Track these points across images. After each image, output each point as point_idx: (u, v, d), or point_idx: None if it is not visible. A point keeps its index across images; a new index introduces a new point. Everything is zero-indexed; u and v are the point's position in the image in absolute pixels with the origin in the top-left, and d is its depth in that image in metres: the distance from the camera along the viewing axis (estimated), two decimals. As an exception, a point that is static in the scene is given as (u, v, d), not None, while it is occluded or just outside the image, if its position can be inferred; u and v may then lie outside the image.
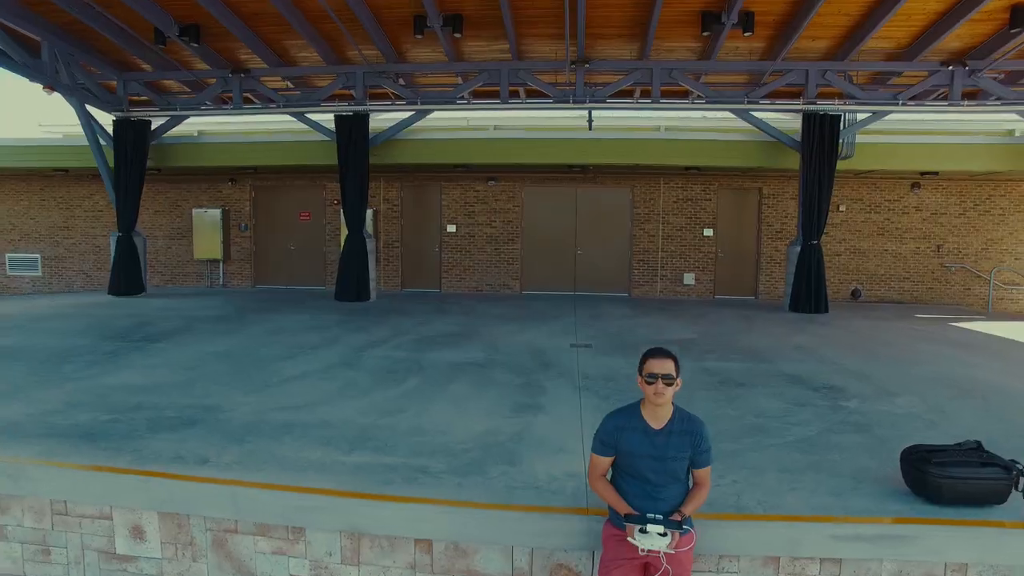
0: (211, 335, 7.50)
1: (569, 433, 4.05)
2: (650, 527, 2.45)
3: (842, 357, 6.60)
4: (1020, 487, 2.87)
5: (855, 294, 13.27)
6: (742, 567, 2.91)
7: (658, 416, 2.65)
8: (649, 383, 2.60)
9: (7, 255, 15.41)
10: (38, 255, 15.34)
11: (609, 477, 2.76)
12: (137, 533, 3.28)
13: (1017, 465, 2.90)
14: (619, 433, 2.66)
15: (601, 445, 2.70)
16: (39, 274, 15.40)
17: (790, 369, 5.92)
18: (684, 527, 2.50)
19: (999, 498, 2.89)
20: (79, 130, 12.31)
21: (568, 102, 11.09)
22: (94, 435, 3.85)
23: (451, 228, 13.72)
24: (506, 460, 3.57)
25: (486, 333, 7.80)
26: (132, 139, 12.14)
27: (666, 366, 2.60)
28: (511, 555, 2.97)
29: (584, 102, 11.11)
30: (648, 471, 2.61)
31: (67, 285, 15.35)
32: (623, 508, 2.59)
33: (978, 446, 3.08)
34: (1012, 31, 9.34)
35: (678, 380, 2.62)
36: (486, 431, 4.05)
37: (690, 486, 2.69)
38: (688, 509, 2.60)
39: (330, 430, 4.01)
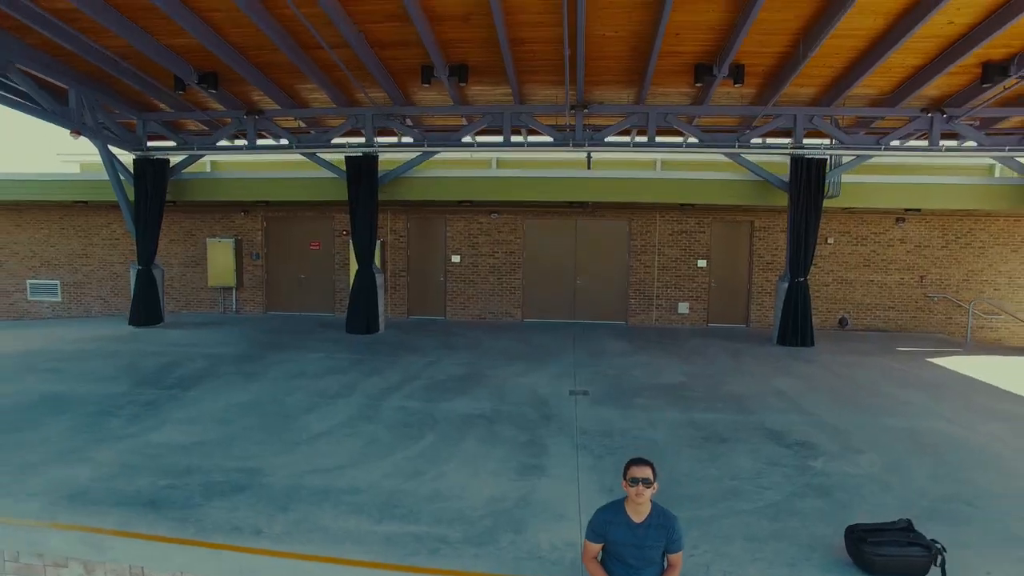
0: (237, 379, 8.11)
1: (568, 497, 4.65)
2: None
3: (817, 405, 7.21)
4: (938, 563, 3.47)
5: (843, 322, 13.88)
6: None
7: (639, 512, 3.25)
8: (632, 486, 3.21)
9: (28, 281, 16.02)
10: (58, 281, 15.94)
11: (599, 558, 3.36)
12: (201, 595, 3.89)
13: (936, 545, 3.51)
14: (607, 526, 3.26)
15: (593, 534, 3.30)
16: (59, 300, 16.01)
17: (769, 422, 6.52)
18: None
19: (921, 572, 3.49)
20: (95, 159, 12.92)
21: (568, 145, 11.71)
22: (156, 503, 4.45)
23: (455, 258, 14.33)
24: (513, 528, 4.18)
25: (492, 376, 8.41)
26: (152, 176, 12.75)
27: (645, 471, 3.20)
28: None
29: (583, 145, 11.72)
30: (630, 557, 3.21)
31: (85, 311, 15.95)
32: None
33: (908, 525, 3.69)
34: (983, 85, 9.95)
35: (655, 484, 3.22)
36: (495, 496, 4.66)
37: (665, 567, 3.29)
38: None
39: (360, 496, 4.61)
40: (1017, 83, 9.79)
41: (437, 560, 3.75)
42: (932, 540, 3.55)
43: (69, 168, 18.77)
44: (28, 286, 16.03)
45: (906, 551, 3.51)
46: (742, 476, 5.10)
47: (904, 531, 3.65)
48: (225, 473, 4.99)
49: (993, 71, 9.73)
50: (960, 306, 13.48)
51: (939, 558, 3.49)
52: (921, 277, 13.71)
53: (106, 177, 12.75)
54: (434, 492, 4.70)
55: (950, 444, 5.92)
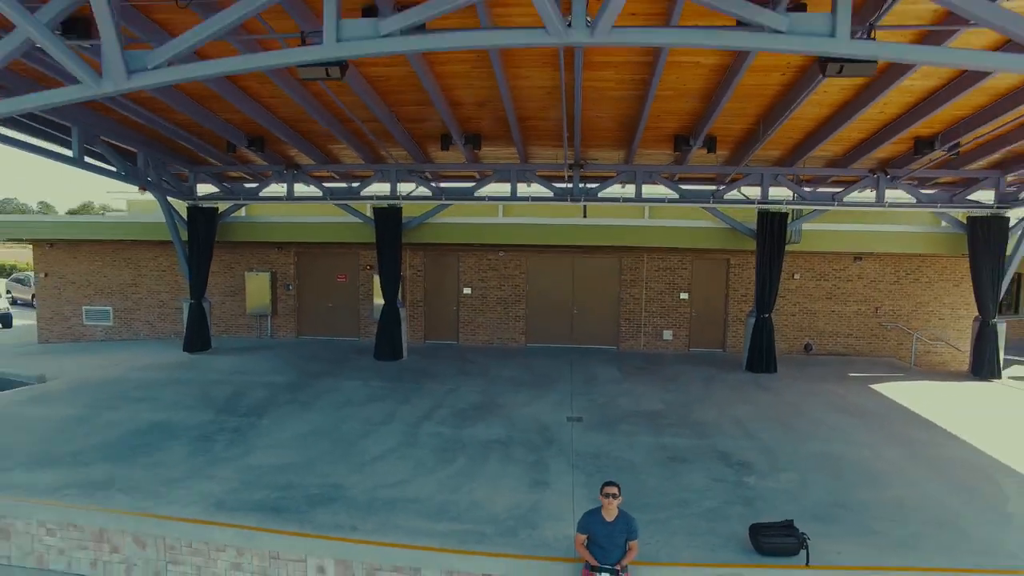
0: (295, 408, 10.01)
1: (565, 505, 6.53)
2: (604, 573, 4.94)
3: (762, 431, 9.12)
4: (805, 547, 5.39)
5: (808, 348, 15.81)
6: (660, 592, 5.41)
7: (610, 514, 5.15)
8: (604, 499, 5.11)
9: (84, 307, 17.90)
10: (110, 308, 17.83)
11: (585, 544, 5.25)
12: (320, 570, 5.78)
13: (804, 535, 5.43)
14: (590, 524, 5.16)
15: (581, 529, 5.19)
16: (111, 324, 17.89)
17: (722, 446, 8.43)
18: (622, 573, 5.00)
19: (793, 553, 5.40)
20: (140, 197, 14.77)
21: (567, 200, 13.63)
22: (277, 509, 6.35)
23: (467, 291, 16.26)
24: (529, 526, 6.07)
25: (503, 405, 10.32)
26: (203, 223, 14.65)
27: (613, 489, 5.11)
28: (534, 585, 5.47)
29: (580, 200, 13.65)
30: (604, 543, 5.10)
31: (134, 334, 17.84)
32: (592, 562, 5.09)
33: (790, 523, 5.60)
34: (915, 156, 11.91)
35: (620, 497, 5.12)
36: (514, 504, 6.55)
37: (627, 550, 5.18)
38: (624, 563, 5.10)
39: (419, 504, 6.50)
40: (943, 155, 11.78)
41: (481, 547, 5.65)
42: (802, 533, 5.46)
43: (116, 202, 20.70)
44: (84, 311, 17.91)
45: (784, 540, 5.42)
46: (692, 489, 7.00)
47: (785, 526, 5.55)
48: (317, 488, 6.88)
49: (922, 145, 11.68)
50: (909, 333, 15.42)
51: (805, 544, 5.40)
52: (876, 308, 15.65)
53: (153, 219, 14.68)
54: (471, 502, 6.60)
55: (852, 465, 7.84)
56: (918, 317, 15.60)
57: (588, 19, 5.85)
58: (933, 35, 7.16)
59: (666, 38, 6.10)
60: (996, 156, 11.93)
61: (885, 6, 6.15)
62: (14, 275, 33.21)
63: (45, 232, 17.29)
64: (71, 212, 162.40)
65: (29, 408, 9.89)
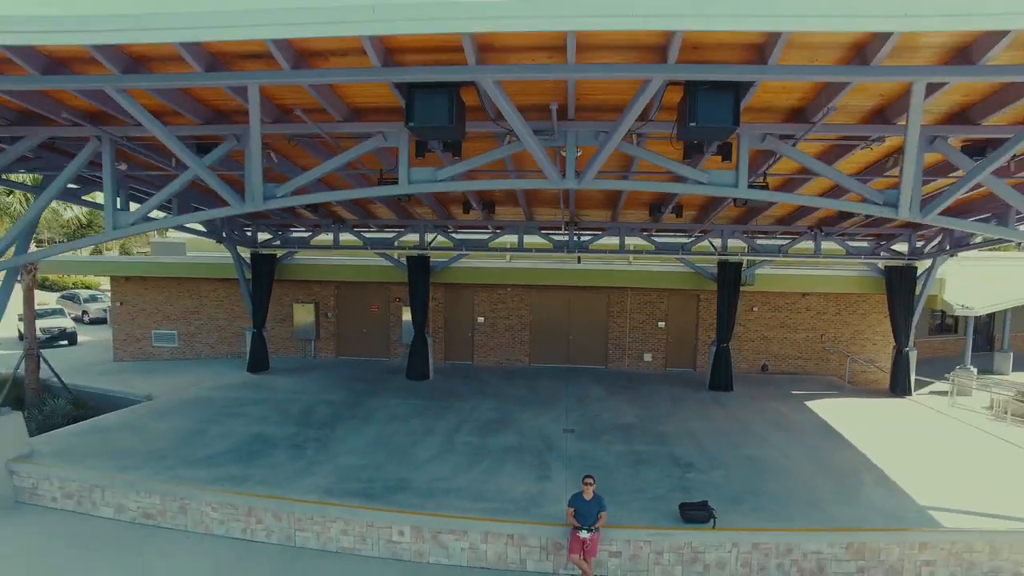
0: (357, 423, 13.15)
1: (560, 491, 9.65)
2: (583, 531, 8.10)
3: (708, 440, 12.27)
4: (714, 516, 8.55)
5: (764, 368, 18.98)
6: (620, 546, 8.55)
7: (588, 495, 8.29)
8: (585, 485, 8.27)
9: (153, 331, 21.04)
10: (175, 331, 20.97)
11: (573, 515, 8.38)
12: (400, 534, 8.93)
13: (713, 509, 8.59)
14: (574, 502, 8.31)
15: (569, 504, 8.34)
16: (176, 346, 21.03)
17: (676, 452, 11.58)
18: (594, 530, 8.16)
19: (705, 520, 8.56)
20: (196, 238, 17.93)
21: (564, 250, 16.79)
22: (367, 495, 9.48)
23: (480, 319, 19.42)
24: (536, 505, 9.21)
25: (514, 420, 13.47)
26: (264, 266, 17.80)
27: (590, 480, 8.28)
28: (540, 539, 8.61)
29: (574, 251, 16.80)
30: (584, 514, 8.25)
31: (196, 354, 20.98)
32: (576, 524, 8.25)
33: (705, 503, 8.76)
34: (841, 221, 15.08)
35: (593, 484, 8.28)
36: (527, 492, 9.68)
37: (598, 518, 8.32)
38: (596, 526, 8.26)
39: (463, 492, 9.63)
40: (860, 218, 14.94)
41: (506, 517, 8.79)
42: (712, 508, 8.62)
43: (176, 238, 23.89)
44: (152, 335, 21.05)
45: (700, 512, 8.57)
46: (648, 481, 10.15)
47: (702, 505, 8.70)
48: (391, 481, 10.02)
49: (844, 215, 14.85)
50: (847, 356, 18.59)
51: (713, 515, 8.56)
52: (821, 335, 18.82)
53: (215, 260, 17.83)
54: (497, 489, 9.74)
55: (766, 465, 10.99)
56: (855, 343, 18.78)
57: (576, 172, 9.03)
58: (795, 181, 10.38)
59: (626, 186, 9.31)
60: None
61: (767, 164, 9.35)
62: (64, 292, 36.32)
63: (126, 271, 20.44)
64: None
65: (155, 422, 13.03)
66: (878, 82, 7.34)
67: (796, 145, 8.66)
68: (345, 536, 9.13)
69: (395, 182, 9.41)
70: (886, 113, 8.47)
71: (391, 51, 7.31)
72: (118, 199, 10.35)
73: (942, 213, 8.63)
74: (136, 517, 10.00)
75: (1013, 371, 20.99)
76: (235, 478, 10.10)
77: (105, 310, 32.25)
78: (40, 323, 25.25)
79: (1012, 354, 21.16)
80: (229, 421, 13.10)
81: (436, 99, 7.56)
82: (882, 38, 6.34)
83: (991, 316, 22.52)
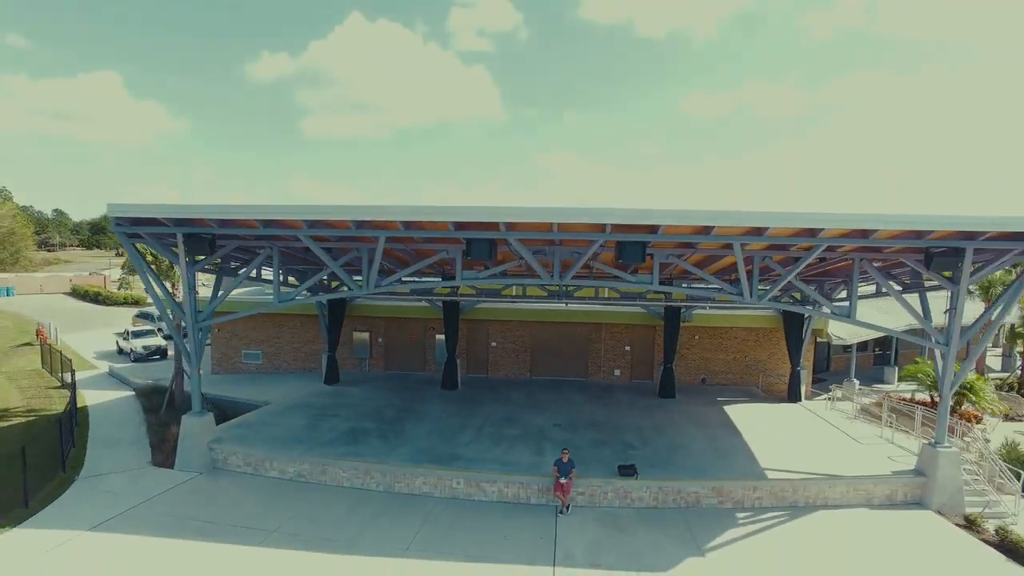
0: (415, 419, 19.71)
1: (549, 460, 16.18)
2: (563, 479, 14.71)
3: (648, 431, 18.87)
4: (637, 473, 15.17)
5: (703, 380, 25.62)
6: (584, 489, 15.13)
7: (564, 459, 14.88)
8: (563, 453, 14.89)
9: (243, 351, 27.58)
10: (260, 351, 27.51)
11: (555, 471, 14.95)
12: (457, 483, 15.49)
13: (636, 469, 15.20)
14: (557, 463, 14.87)
15: (554, 464, 14.92)
16: (261, 362, 27.58)
17: (625, 438, 18.19)
18: (568, 479, 14.76)
19: (633, 475, 15.17)
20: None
21: (557, 298, 23.39)
22: (436, 461, 16.04)
23: (493, 344, 26.00)
24: (536, 467, 15.75)
25: (521, 418, 20.06)
26: (338, 309, 24.34)
27: (566, 451, 14.89)
28: (538, 485, 15.19)
29: (563, 299, 23.39)
30: (562, 471, 14.83)
31: (276, 369, 27.52)
32: (557, 476, 14.84)
33: (633, 465, 15.38)
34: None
35: (568, 453, 14.88)
36: (530, 460, 16.25)
37: (571, 472, 14.89)
38: (570, 477, 14.85)
39: (493, 461, 16.16)
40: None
41: (517, 473, 15.37)
42: (636, 468, 15.22)
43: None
44: (243, 353, 27.60)
45: (629, 470, 15.18)
46: (603, 454, 16.74)
47: (631, 465, 15.30)
48: (446, 455, 16.58)
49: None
50: (764, 371, 25.25)
51: (636, 472, 15.18)
52: (745, 355, 25.47)
53: (295, 301, 24.34)
54: (512, 459, 16.32)
55: (680, 445, 17.59)
56: (770, 362, 25.42)
57: (560, 273, 15.68)
58: (703, 263, 17.01)
59: (588, 283, 16.00)
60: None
61: (677, 278, 16.01)
62: (139, 311, 42.72)
63: (228, 307, 26.88)
64: (91, 222, 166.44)
65: (281, 419, 19.59)
66: (710, 242, 14.02)
67: (684, 258, 15.33)
68: (424, 485, 15.69)
69: (453, 277, 16.06)
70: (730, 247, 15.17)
71: (461, 225, 13.98)
72: (280, 282, 16.98)
73: (770, 299, 15.32)
74: (292, 477, 16.55)
75: (900, 382, 27.61)
76: (351, 453, 16.68)
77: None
78: (139, 341, 31.95)
79: (897, 368, 27.82)
80: (330, 419, 19.69)
81: (483, 245, 14.22)
82: (708, 228, 13.04)
83: (887, 339, 29.15)
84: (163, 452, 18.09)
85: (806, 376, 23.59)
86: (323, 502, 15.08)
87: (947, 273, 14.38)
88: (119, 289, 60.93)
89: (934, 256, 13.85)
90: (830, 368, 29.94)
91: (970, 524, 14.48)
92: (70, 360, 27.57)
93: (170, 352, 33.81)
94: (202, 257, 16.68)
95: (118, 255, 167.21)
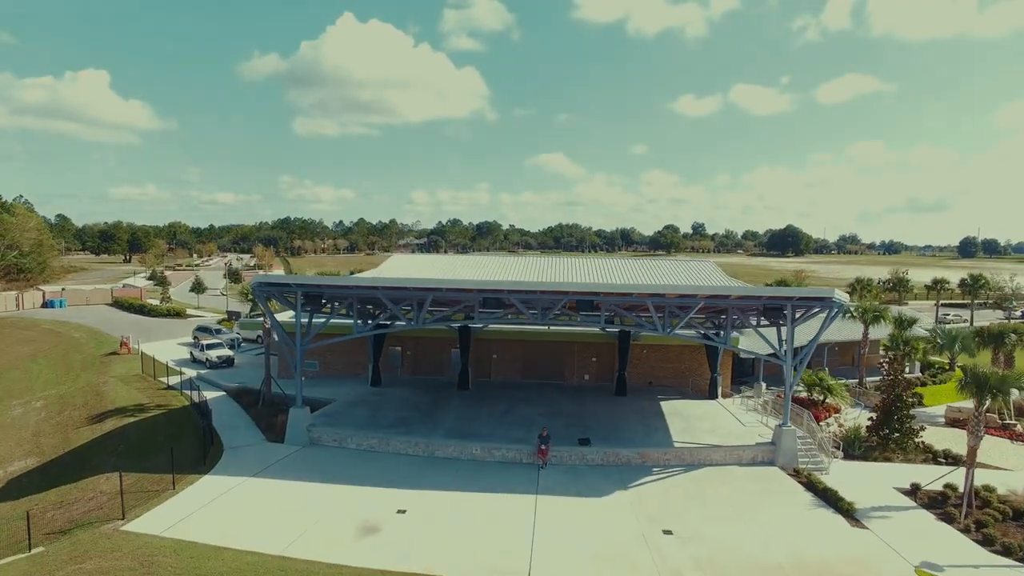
0: (443, 411, 28.46)
1: (534, 436, 24.98)
2: (542, 446, 23.50)
3: (603, 417, 27.69)
4: (591, 443, 23.98)
5: (650, 384, 34.55)
6: (556, 454, 23.88)
7: (544, 434, 23.66)
8: (543, 430, 23.68)
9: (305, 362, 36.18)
10: (317, 361, 36.17)
11: (538, 443, 23.72)
12: (475, 450, 24.24)
13: (591, 441, 24.03)
14: (539, 438, 23.67)
15: (537, 437, 23.69)
16: (317, 370, 36.22)
17: (587, 422, 26.99)
18: (545, 447, 23.54)
19: (589, 445, 23.98)
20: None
21: (540, 322, 32.20)
22: (460, 437, 24.80)
23: (495, 356, 34.84)
24: (526, 440, 24.47)
25: (515, 410, 28.85)
26: (380, 338, 33.06)
27: (545, 429, 23.70)
28: (528, 452, 23.94)
29: (544, 323, 32.20)
30: (543, 442, 23.62)
31: (328, 374, 36.16)
32: (540, 445, 23.61)
33: (588, 439, 24.20)
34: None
35: (547, 430, 23.67)
36: (522, 435, 24.99)
37: (548, 444, 23.64)
38: (547, 447, 23.64)
39: (498, 437, 24.87)
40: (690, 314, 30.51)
41: (515, 444, 24.11)
42: (590, 440, 24.00)
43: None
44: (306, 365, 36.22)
45: (584, 440, 23.98)
46: (571, 433, 25.46)
47: (587, 439, 24.08)
48: (468, 433, 25.25)
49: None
50: (689, 376, 34.18)
51: (590, 442, 23.97)
52: (679, 365, 34.40)
53: (342, 322, 33.09)
54: (511, 436, 25.02)
55: (622, 427, 26.39)
56: (698, 369, 34.32)
57: (543, 314, 24.58)
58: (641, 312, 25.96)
59: (562, 323, 24.88)
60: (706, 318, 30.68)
61: (617, 317, 24.94)
62: (198, 325, 51.01)
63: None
64: (100, 230, 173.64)
65: (348, 410, 28.29)
66: (631, 300, 22.95)
67: (621, 306, 24.25)
68: (453, 452, 24.42)
69: (472, 318, 24.94)
70: (648, 300, 24.09)
71: (481, 290, 22.87)
72: (355, 318, 25.77)
73: (677, 331, 24.27)
74: (365, 448, 25.26)
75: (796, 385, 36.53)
76: (404, 432, 25.44)
77: (231, 340, 46.99)
78: (213, 352, 40.49)
79: (826, 370, 36.77)
80: (383, 410, 28.43)
81: (493, 299, 23.14)
82: (627, 294, 22.00)
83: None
84: (272, 433, 26.77)
85: (722, 380, 32.52)
86: (388, 463, 23.79)
87: (773, 319, 23.35)
88: (161, 303, 69.20)
89: (766, 309, 22.80)
90: (754, 373, 38.91)
91: (796, 473, 23.45)
92: (164, 366, 36.09)
93: (236, 361, 42.30)
94: (308, 308, 25.39)
95: (125, 261, 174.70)
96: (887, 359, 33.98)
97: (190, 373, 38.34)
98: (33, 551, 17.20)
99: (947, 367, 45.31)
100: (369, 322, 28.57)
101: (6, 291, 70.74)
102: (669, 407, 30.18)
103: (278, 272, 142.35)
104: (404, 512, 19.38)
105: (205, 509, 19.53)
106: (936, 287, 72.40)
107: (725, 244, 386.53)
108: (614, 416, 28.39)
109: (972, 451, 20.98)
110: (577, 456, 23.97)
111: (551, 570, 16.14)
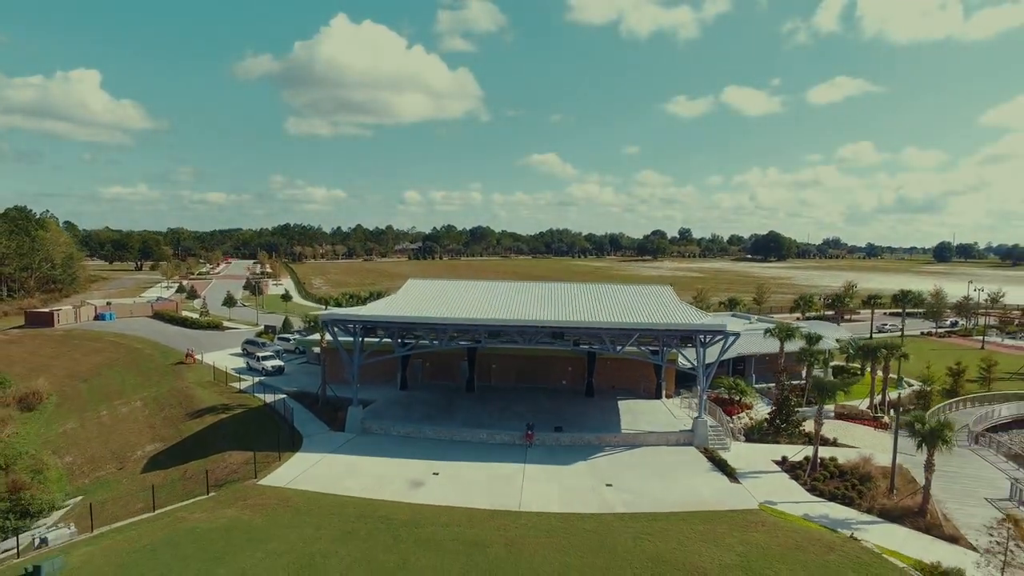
0: (456, 408, 38.84)
1: (523, 426, 35.35)
2: (529, 432, 33.90)
3: (573, 411, 38.13)
4: (563, 429, 34.43)
5: (612, 387, 45.09)
6: (539, 438, 34.26)
7: (530, 425, 34.04)
8: (529, 425, 34.09)
9: (346, 370, 46.52)
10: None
11: (525, 430, 34.07)
12: (484, 436, 34.61)
13: (563, 428, 34.48)
14: (527, 426, 34.05)
15: (526, 425, 34.07)
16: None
17: (562, 416, 37.41)
18: (531, 433, 33.94)
19: (563, 431, 34.43)
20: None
21: (527, 344, 42.68)
22: (476, 427, 35.19)
23: (494, 366, 45.32)
24: (519, 428, 34.83)
25: (512, 408, 39.25)
26: (406, 359, 43.44)
27: (531, 422, 34.12)
28: (519, 435, 34.30)
29: (531, 345, 42.65)
30: (530, 429, 34.00)
31: (364, 381, 46.49)
32: (528, 432, 34.00)
33: (561, 427, 34.64)
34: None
35: (532, 424, 34.07)
36: (517, 425, 35.34)
37: (533, 430, 34.01)
38: (532, 433, 34.03)
39: (499, 427, 35.25)
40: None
41: (512, 432, 34.49)
42: (563, 427, 34.45)
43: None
44: (345, 371, 46.55)
45: (560, 428, 34.51)
46: (549, 423, 35.90)
47: (560, 427, 34.50)
48: (476, 423, 35.62)
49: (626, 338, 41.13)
50: (643, 382, 44.74)
51: (563, 429, 34.43)
52: (635, 373, 44.95)
53: (375, 342, 43.44)
54: (509, 425, 35.34)
55: (586, 418, 36.81)
56: (649, 376, 44.84)
57: (530, 340, 35.10)
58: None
59: (542, 346, 35.44)
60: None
61: (582, 341, 35.49)
62: (246, 339, 61.03)
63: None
64: (115, 240, 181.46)
65: (388, 408, 38.61)
66: (585, 333, 33.54)
67: (582, 332, 34.83)
68: (467, 436, 34.77)
69: (479, 342, 35.50)
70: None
71: (487, 324, 33.46)
72: (397, 340, 36.23)
73: (626, 348, 34.87)
74: (404, 435, 35.60)
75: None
76: (431, 422, 35.85)
77: (277, 352, 56.98)
78: (268, 362, 50.75)
79: (755, 376, 47.53)
80: (413, 408, 38.81)
81: (497, 331, 33.66)
82: (584, 327, 32.60)
83: (741, 359, 48.61)
84: (334, 424, 37.08)
85: (665, 385, 43.02)
86: (422, 444, 34.19)
87: (688, 345, 33.96)
88: (200, 316, 79.03)
89: (682, 337, 33.39)
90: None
91: (705, 451, 34.00)
92: (227, 373, 46.22)
93: (286, 370, 52.31)
94: (363, 337, 35.75)
95: (137, 269, 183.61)
96: (781, 370, 44.70)
97: (249, 380, 48.45)
98: (210, 494, 27.45)
99: (858, 372, 56.21)
100: (406, 343, 38.93)
101: (65, 306, 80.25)
102: (624, 405, 40.70)
103: (287, 280, 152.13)
104: (437, 474, 29.74)
105: (305, 473, 29.81)
106: (871, 301, 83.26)
107: (711, 248, 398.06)
108: (582, 411, 38.88)
109: (816, 434, 31.71)
110: (553, 439, 34.38)
111: (533, 506, 26.55)
